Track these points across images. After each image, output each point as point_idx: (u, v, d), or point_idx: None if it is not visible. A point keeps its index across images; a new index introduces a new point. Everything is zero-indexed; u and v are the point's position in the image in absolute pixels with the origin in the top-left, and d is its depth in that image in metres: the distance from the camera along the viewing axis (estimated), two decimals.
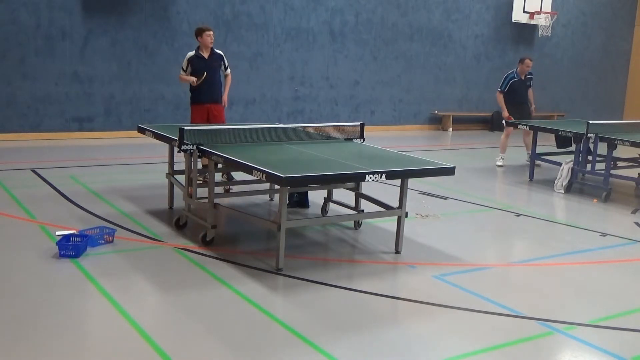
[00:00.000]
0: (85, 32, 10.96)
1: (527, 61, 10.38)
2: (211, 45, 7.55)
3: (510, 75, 10.42)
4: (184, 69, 7.55)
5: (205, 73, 7.44)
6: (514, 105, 10.30)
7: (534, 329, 4.11)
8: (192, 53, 7.55)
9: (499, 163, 10.40)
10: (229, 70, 7.81)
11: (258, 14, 12.51)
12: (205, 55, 7.52)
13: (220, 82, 7.72)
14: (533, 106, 10.77)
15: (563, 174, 8.46)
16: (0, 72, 10.43)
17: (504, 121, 10.31)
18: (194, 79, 7.42)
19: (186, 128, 5.65)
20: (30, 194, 6.93)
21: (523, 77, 10.40)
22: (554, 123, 11.12)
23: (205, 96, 7.49)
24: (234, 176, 7.47)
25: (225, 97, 7.77)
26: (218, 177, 7.03)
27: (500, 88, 10.41)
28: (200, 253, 5.22)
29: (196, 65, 7.48)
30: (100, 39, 11.09)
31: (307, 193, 6.81)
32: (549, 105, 17.19)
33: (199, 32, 7.50)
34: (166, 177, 6.82)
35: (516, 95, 10.37)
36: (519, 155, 11.00)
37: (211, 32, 7.52)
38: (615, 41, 18.11)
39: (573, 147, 8.80)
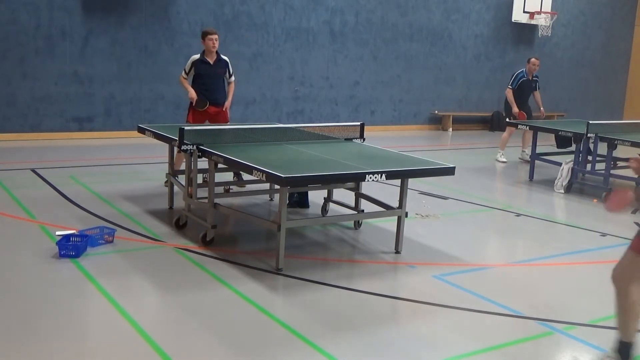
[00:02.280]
0: (85, 32, 10.96)
1: (533, 60, 10.63)
2: (214, 50, 7.34)
3: (520, 74, 10.64)
4: (187, 71, 7.45)
5: (207, 104, 7.38)
6: (517, 105, 10.51)
7: (534, 329, 4.11)
8: (197, 56, 7.40)
9: (502, 159, 10.59)
10: (233, 78, 7.65)
11: (258, 14, 12.51)
12: (211, 60, 7.39)
13: (223, 88, 7.62)
14: (542, 109, 10.94)
15: (563, 174, 8.46)
16: (0, 72, 10.43)
17: (507, 118, 10.48)
18: (194, 95, 7.34)
19: (186, 128, 5.65)
20: (30, 194, 6.93)
21: (531, 78, 10.63)
22: (554, 123, 11.12)
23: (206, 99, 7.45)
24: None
25: (227, 104, 7.65)
26: (224, 177, 7.02)
27: (510, 85, 10.62)
28: (200, 253, 5.22)
29: (201, 70, 7.36)
30: (100, 39, 11.09)
31: (307, 193, 6.80)
32: (549, 105, 17.15)
33: (203, 35, 7.36)
34: (166, 177, 6.83)
35: (522, 94, 10.62)
36: (519, 154, 11.00)
37: (214, 36, 7.28)
38: (615, 41, 18.11)
39: (573, 147, 8.80)
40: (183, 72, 7.52)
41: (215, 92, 7.50)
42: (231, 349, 3.64)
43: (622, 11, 18.06)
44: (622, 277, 3.37)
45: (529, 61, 10.64)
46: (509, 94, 10.55)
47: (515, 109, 10.43)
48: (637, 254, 3.35)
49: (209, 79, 7.43)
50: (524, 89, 10.57)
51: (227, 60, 7.58)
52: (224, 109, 7.61)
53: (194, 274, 4.80)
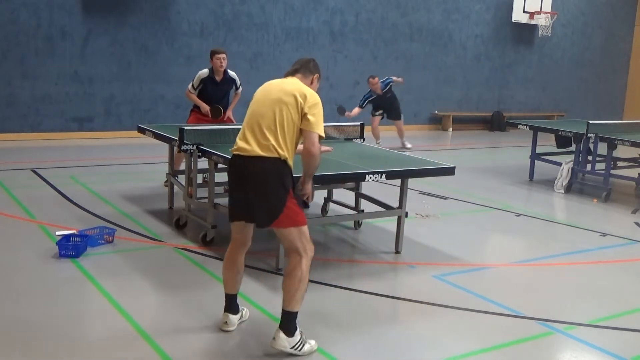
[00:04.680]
0: (85, 32, 10.96)
1: (371, 80, 11.32)
2: (222, 69, 7.29)
3: (367, 95, 11.44)
4: (195, 87, 7.34)
5: (222, 111, 7.35)
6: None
7: (534, 329, 4.11)
8: (205, 74, 7.29)
9: (409, 145, 11.55)
10: (240, 90, 7.61)
11: (258, 14, 12.51)
12: (218, 78, 7.33)
13: (228, 101, 7.62)
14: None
15: (563, 174, 8.46)
16: (0, 72, 10.43)
17: (347, 113, 10.80)
18: (207, 107, 7.28)
19: (186, 128, 5.65)
20: (30, 194, 6.93)
21: (381, 92, 11.36)
22: (554, 123, 11.12)
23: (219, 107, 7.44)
24: None
25: (229, 112, 7.62)
26: (224, 177, 7.00)
27: (360, 106, 11.35)
28: (200, 253, 5.22)
29: (208, 88, 7.31)
30: (100, 39, 11.09)
31: None
32: (549, 105, 17.20)
33: (211, 54, 7.28)
34: (166, 177, 6.83)
35: (378, 106, 11.57)
36: (520, 154, 11.00)
37: (221, 55, 7.22)
38: (615, 41, 18.11)
39: (573, 147, 8.80)
40: (190, 86, 7.38)
41: (219, 104, 7.50)
42: (231, 348, 3.64)
43: (622, 11, 18.06)
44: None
45: (368, 81, 11.34)
46: (357, 111, 11.14)
47: (350, 113, 10.80)
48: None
49: (214, 97, 7.40)
50: (379, 105, 11.50)
51: (235, 77, 7.50)
52: (226, 119, 7.60)
53: (194, 274, 4.80)
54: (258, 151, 3.48)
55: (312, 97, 3.58)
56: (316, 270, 4.95)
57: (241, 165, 3.55)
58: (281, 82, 3.70)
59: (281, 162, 3.51)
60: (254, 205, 3.55)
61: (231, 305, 3.83)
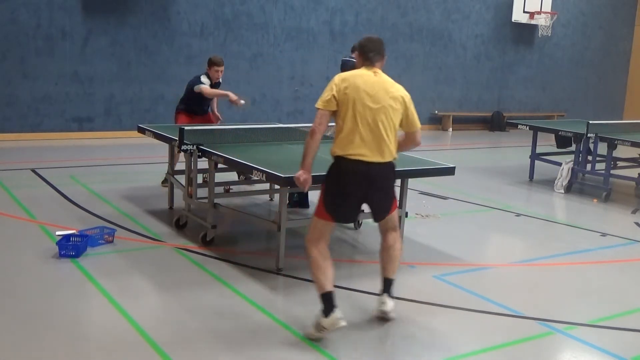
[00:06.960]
0: (85, 32, 10.96)
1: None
2: (218, 80, 7.35)
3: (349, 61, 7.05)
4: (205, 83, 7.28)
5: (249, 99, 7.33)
6: None
7: (534, 329, 4.11)
8: (207, 83, 7.24)
9: None
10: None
11: (258, 14, 12.51)
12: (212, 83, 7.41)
13: (212, 103, 7.76)
14: None
15: (563, 174, 8.46)
16: (0, 72, 10.43)
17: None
18: (235, 96, 7.18)
19: (186, 128, 5.65)
20: (30, 194, 6.93)
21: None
22: (554, 123, 11.12)
23: (196, 110, 7.48)
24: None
25: (216, 113, 7.73)
26: (224, 177, 6.99)
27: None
28: (200, 253, 5.22)
29: (204, 96, 7.32)
30: (100, 39, 11.09)
31: (307, 193, 6.79)
32: (549, 105, 17.20)
33: (210, 64, 7.29)
34: (165, 176, 6.83)
35: None
36: (520, 154, 11.01)
37: (221, 68, 7.26)
38: (615, 41, 18.11)
39: (573, 147, 8.80)
40: (207, 84, 7.24)
41: (207, 107, 7.61)
42: (231, 348, 3.64)
43: (622, 11, 18.07)
44: (308, 239, 4.00)
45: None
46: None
47: None
48: (317, 217, 4.00)
49: (205, 103, 7.50)
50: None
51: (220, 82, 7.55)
52: (216, 121, 7.65)
53: (194, 274, 4.80)
54: (384, 157, 3.90)
55: (409, 98, 4.07)
56: None
57: (366, 172, 3.86)
58: (384, 84, 3.97)
59: (394, 163, 4.02)
60: (376, 202, 4.03)
61: (334, 301, 3.85)
